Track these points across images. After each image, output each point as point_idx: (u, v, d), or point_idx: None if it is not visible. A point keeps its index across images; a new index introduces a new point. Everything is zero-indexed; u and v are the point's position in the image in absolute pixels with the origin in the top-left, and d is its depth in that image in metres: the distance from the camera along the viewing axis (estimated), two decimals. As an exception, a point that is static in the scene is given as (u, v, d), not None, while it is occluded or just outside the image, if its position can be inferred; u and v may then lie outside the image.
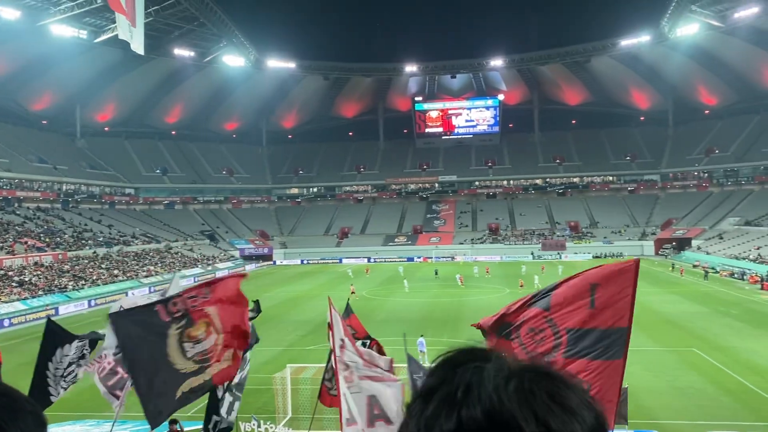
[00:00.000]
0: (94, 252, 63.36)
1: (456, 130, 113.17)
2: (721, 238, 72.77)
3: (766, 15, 70.98)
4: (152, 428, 7.29)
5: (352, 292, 40.72)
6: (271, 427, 16.06)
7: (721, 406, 18.72)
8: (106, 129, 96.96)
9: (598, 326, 5.54)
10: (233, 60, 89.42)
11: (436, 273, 61.22)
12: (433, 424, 0.88)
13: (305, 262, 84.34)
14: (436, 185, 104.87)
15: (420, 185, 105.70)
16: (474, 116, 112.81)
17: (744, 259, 59.68)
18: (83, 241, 66.46)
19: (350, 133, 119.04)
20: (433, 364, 1.00)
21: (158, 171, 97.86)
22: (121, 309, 8.15)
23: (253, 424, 16.18)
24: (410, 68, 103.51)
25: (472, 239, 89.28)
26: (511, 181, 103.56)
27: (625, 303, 5.54)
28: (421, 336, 24.65)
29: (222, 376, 7.75)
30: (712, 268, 59.62)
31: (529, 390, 0.87)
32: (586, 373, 5.40)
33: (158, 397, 7.09)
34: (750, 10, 71.57)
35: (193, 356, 7.34)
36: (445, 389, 0.90)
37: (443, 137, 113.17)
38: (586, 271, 5.90)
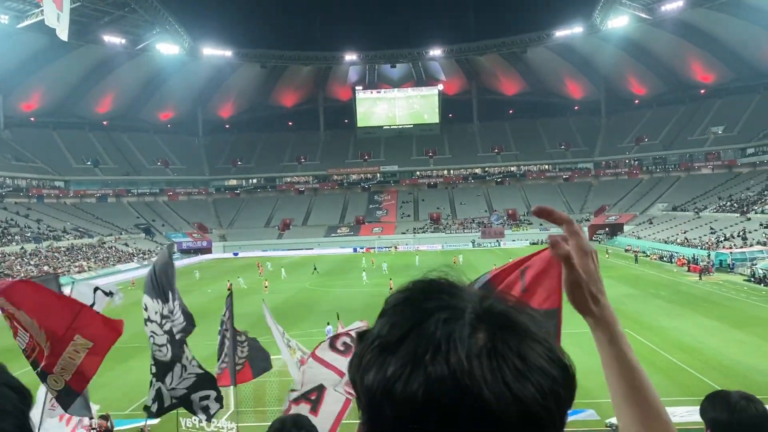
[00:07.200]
0: (22, 248, 60.55)
1: (396, 120, 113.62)
2: (651, 223, 75.86)
3: (691, 8, 74.12)
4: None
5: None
6: (214, 422, 15.76)
7: (653, 383, 19.50)
8: (32, 119, 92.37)
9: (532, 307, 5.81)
10: (167, 48, 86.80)
11: (315, 268, 56.57)
12: (393, 384, 0.77)
13: (237, 255, 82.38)
14: (378, 175, 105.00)
15: (362, 175, 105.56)
16: (414, 106, 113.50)
17: (672, 242, 62.36)
18: (9, 237, 63.41)
19: (290, 123, 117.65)
20: (393, 304, 0.85)
21: (89, 163, 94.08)
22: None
23: (195, 420, 15.84)
24: (350, 57, 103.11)
25: (414, 229, 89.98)
26: (452, 171, 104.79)
27: (553, 283, 5.75)
28: (328, 324, 24.03)
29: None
30: (643, 252, 62.10)
31: (501, 355, 0.78)
32: None
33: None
34: (675, 3, 74.60)
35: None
36: (410, 345, 0.78)
37: (384, 127, 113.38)
38: (517, 259, 6.11)
